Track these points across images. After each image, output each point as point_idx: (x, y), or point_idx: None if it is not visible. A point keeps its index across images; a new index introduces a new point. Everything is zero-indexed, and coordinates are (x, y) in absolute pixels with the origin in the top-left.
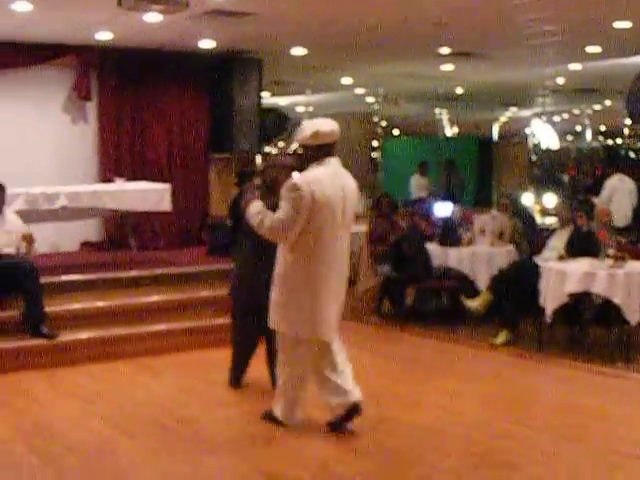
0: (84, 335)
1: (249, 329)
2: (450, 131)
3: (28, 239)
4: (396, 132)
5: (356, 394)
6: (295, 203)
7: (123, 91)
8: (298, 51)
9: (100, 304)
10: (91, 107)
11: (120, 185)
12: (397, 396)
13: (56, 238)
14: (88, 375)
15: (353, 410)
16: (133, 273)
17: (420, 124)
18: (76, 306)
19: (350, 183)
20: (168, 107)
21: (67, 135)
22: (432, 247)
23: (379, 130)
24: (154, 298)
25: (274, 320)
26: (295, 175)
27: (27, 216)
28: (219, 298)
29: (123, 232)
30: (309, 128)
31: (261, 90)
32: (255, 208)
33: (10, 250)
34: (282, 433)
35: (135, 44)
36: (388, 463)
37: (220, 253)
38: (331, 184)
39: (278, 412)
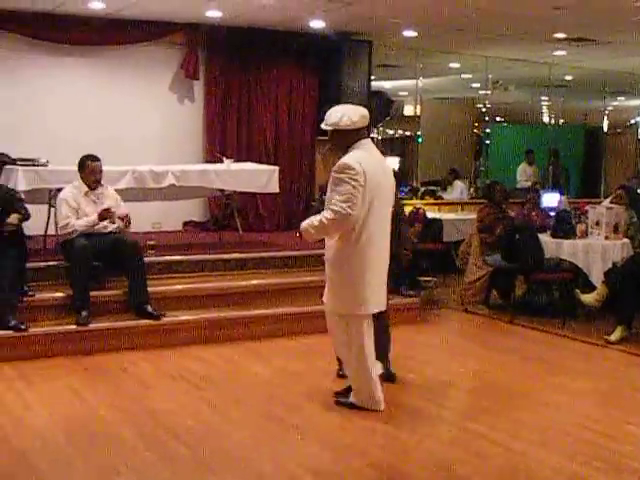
0: (188, 317)
1: None
2: (555, 119)
3: (125, 220)
4: (500, 119)
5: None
6: (352, 181)
7: (230, 71)
8: (409, 33)
9: (204, 285)
10: (198, 86)
11: (228, 165)
12: (510, 391)
13: (160, 217)
14: (194, 358)
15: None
16: (238, 255)
17: (526, 111)
18: (180, 287)
19: (388, 164)
20: (276, 88)
21: (174, 114)
22: (544, 238)
23: (483, 117)
24: (259, 281)
25: (336, 303)
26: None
27: (133, 194)
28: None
29: (228, 213)
30: (346, 112)
31: (371, 73)
32: (309, 222)
33: (114, 227)
34: (396, 427)
35: (244, 23)
36: (510, 465)
37: None
38: (374, 164)
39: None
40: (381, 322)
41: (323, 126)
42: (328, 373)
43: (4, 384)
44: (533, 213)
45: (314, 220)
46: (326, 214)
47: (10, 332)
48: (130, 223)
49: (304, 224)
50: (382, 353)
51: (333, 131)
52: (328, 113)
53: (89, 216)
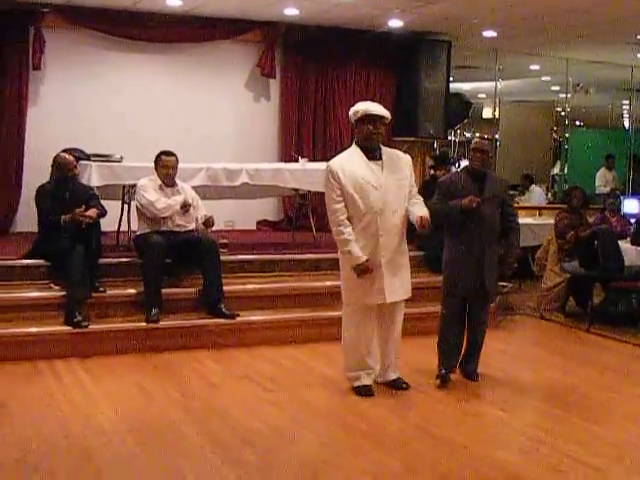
0: (259, 317)
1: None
2: (636, 124)
3: (208, 223)
4: (580, 123)
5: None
6: None
7: (307, 70)
8: (488, 34)
9: (277, 285)
10: (274, 85)
11: (303, 165)
12: (587, 402)
13: (233, 215)
14: (263, 359)
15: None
16: (312, 255)
17: (606, 115)
18: (252, 286)
19: None
20: (352, 88)
21: (249, 112)
22: (624, 245)
23: (563, 120)
24: (333, 282)
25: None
26: None
27: (207, 192)
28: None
29: (302, 213)
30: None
31: (449, 74)
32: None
33: (187, 225)
34: (467, 437)
35: (321, 21)
36: None
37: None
38: None
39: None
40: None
41: (382, 113)
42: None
43: (71, 380)
44: (613, 219)
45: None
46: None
47: (78, 329)
48: (213, 224)
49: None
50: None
51: (385, 122)
52: (376, 105)
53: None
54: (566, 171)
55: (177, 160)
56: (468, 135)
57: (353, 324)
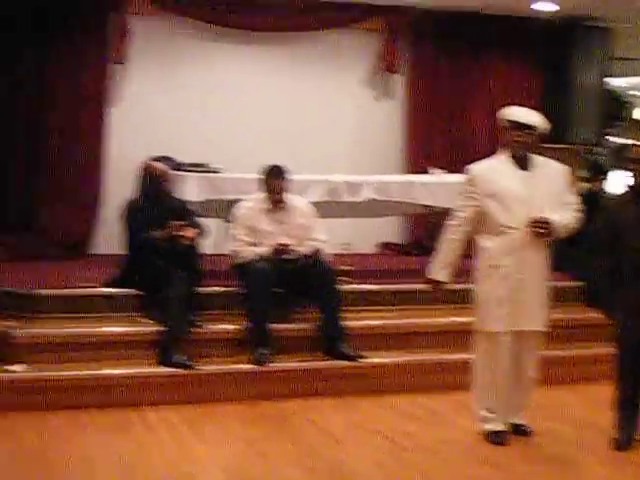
0: (387, 359)
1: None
2: None
3: (317, 255)
4: None
5: None
6: None
7: (437, 63)
8: None
9: (406, 321)
10: (398, 81)
11: (437, 177)
12: None
13: (350, 236)
14: (392, 409)
15: None
16: (447, 286)
17: None
18: (376, 322)
19: None
20: (491, 84)
21: (368, 114)
22: None
23: None
24: (472, 318)
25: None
26: None
27: (322, 209)
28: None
29: (433, 234)
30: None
31: (608, 67)
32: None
33: (300, 248)
34: None
35: (454, 7)
36: None
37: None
38: None
39: None
40: None
41: (525, 120)
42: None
43: (166, 432)
44: None
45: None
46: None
47: (173, 370)
48: (319, 256)
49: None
50: None
51: (534, 130)
52: (524, 110)
53: (268, 237)
54: None
55: (287, 179)
56: (617, 140)
57: (483, 354)
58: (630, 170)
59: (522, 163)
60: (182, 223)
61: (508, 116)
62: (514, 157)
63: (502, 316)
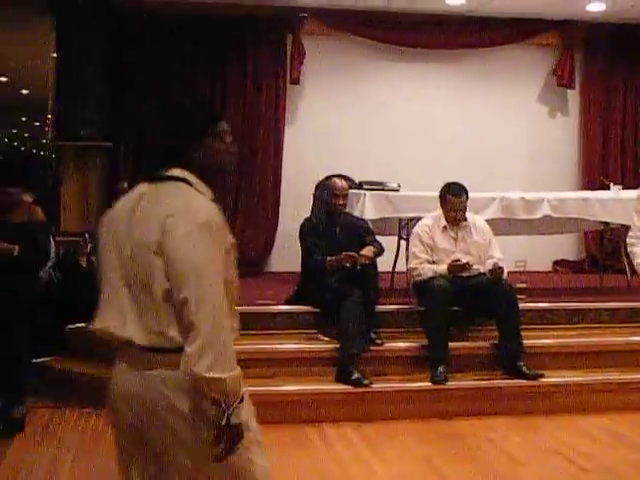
0: (567, 378)
1: None
2: None
3: (496, 273)
4: None
5: None
6: None
7: (612, 77)
8: None
9: (585, 340)
10: (573, 96)
11: (614, 193)
12: None
13: (525, 254)
14: (574, 430)
15: None
16: (626, 304)
17: None
18: (554, 341)
19: None
20: None
21: (543, 130)
22: None
23: None
24: None
25: None
26: None
27: (497, 226)
28: None
29: (609, 251)
30: None
31: None
32: None
33: (477, 267)
34: None
35: (630, 18)
36: None
37: None
38: None
39: None
40: None
41: None
42: None
43: (345, 449)
44: None
45: None
46: None
47: (350, 387)
48: (502, 275)
49: None
50: None
51: None
52: None
53: (446, 254)
54: None
55: (467, 197)
56: None
57: None
58: None
59: None
60: (353, 255)
61: None
62: None
63: None
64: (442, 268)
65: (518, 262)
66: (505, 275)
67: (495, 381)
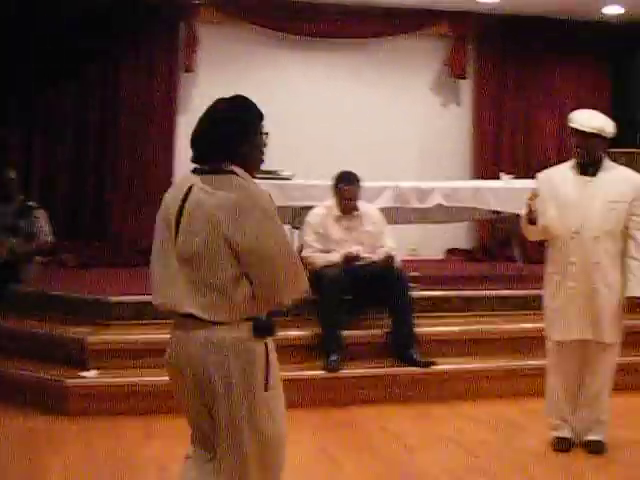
0: (458, 365)
1: None
2: None
3: (387, 263)
4: None
5: None
6: None
7: (505, 69)
8: None
9: (477, 327)
10: (465, 87)
11: (505, 183)
12: None
13: (417, 242)
14: (465, 417)
15: None
16: (518, 292)
17: None
18: (446, 329)
19: None
20: (559, 90)
21: (435, 120)
22: None
23: None
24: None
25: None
26: None
27: (390, 215)
28: None
29: (500, 239)
30: (606, 119)
31: None
32: None
33: (369, 255)
34: None
35: (522, 10)
36: None
37: None
38: None
39: None
40: None
41: (578, 126)
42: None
43: None
44: None
45: None
46: None
47: None
48: (394, 262)
49: None
50: None
51: (591, 135)
52: (582, 115)
53: (339, 244)
54: None
55: (359, 186)
56: None
57: (551, 363)
58: None
59: (587, 169)
60: None
61: (570, 121)
62: (578, 163)
63: (566, 324)
64: (335, 257)
65: (411, 250)
66: (397, 264)
67: (388, 369)
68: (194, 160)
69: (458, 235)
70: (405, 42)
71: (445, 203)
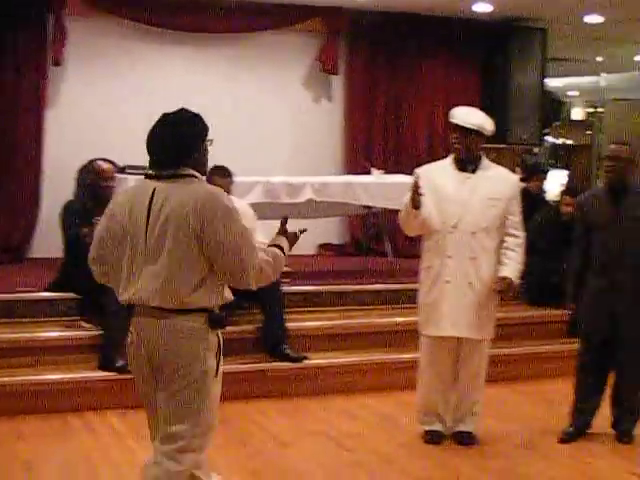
0: (331, 360)
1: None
2: None
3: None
4: None
5: None
6: None
7: (376, 64)
8: (592, 19)
9: (349, 322)
10: (337, 83)
11: (377, 178)
12: None
13: None
14: (337, 410)
15: None
16: (389, 286)
17: None
18: (318, 323)
19: None
20: (430, 85)
21: (307, 115)
22: None
23: None
24: (415, 318)
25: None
26: None
27: (261, 210)
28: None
29: (372, 234)
30: (486, 117)
31: (544, 68)
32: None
33: None
34: None
35: (394, 7)
36: None
37: None
38: None
39: None
40: None
41: (459, 122)
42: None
43: (109, 437)
44: None
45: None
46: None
47: (114, 374)
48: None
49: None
50: None
51: (470, 132)
52: (463, 111)
53: None
54: None
55: (232, 180)
56: (551, 140)
57: (424, 357)
58: (605, 168)
59: (466, 166)
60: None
61: (451, 117)
62: (456, 159)
63: (440, 320)
64: None
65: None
66: None
67: (261, 364)
68: (151, 167)
69: (330, 230)
70: (278, 37)
71: (316, 198)
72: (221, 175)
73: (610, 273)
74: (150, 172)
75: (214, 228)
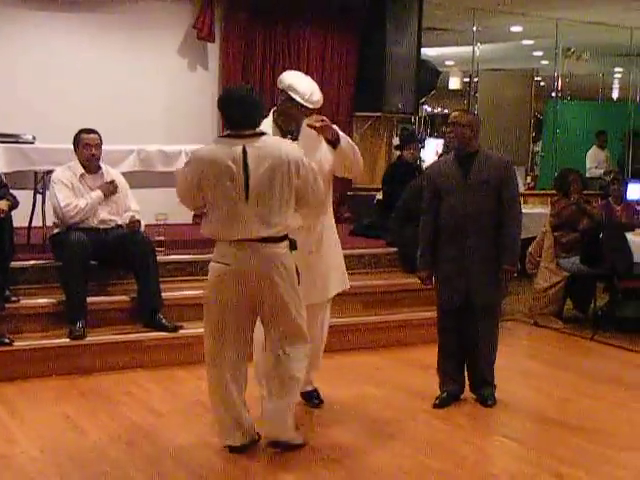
0: (201, 329)
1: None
2: (635, 94)
3: (133, 226)
4: (567, 95)
5: None
6: None
7: (252, 32)
8: None
9: None
10: (213, 50)
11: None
12: (604, 426)
13: (166, 207)
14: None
15: None
16: None
17: (597, 86)
18: (194, 292)
19: None
20: (306, 54)
21: (183, 83)
22: (632, 238)
23: (546, 91)
24: None
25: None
26: None
27: (136, 179)
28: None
29: None
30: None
31: (420, 37)
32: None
33: (115, 219)
34: (469, 472)
35: None
36: None
37: (366, 234)
38: None
39: None
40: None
41: (311, 105)
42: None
43: None
44: (617, 208)
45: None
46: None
47: None
48: (139, 228)
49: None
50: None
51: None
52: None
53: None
54: (550, 151)
55: (100, 139)
56: (429, 109)
57: None
58: (449, 134)
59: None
60: None
61: (282, 82)
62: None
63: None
64: (94, 195)
65: (159, 215)
66: (143, 228)
67: (135, 334)
68: (231, 128)
69: None
70: (153, 3)
71: None
72: (87, 132)
73: (459, 239)
74: (230, 132)
75: (299, 167)
